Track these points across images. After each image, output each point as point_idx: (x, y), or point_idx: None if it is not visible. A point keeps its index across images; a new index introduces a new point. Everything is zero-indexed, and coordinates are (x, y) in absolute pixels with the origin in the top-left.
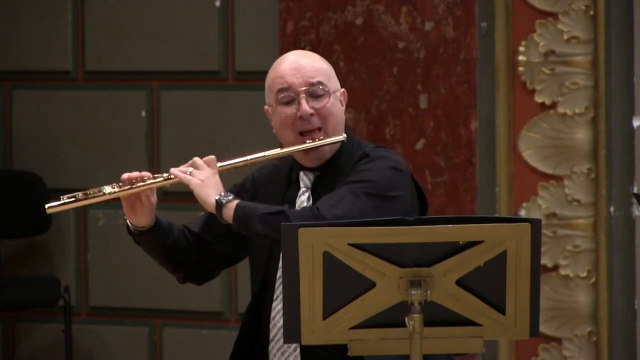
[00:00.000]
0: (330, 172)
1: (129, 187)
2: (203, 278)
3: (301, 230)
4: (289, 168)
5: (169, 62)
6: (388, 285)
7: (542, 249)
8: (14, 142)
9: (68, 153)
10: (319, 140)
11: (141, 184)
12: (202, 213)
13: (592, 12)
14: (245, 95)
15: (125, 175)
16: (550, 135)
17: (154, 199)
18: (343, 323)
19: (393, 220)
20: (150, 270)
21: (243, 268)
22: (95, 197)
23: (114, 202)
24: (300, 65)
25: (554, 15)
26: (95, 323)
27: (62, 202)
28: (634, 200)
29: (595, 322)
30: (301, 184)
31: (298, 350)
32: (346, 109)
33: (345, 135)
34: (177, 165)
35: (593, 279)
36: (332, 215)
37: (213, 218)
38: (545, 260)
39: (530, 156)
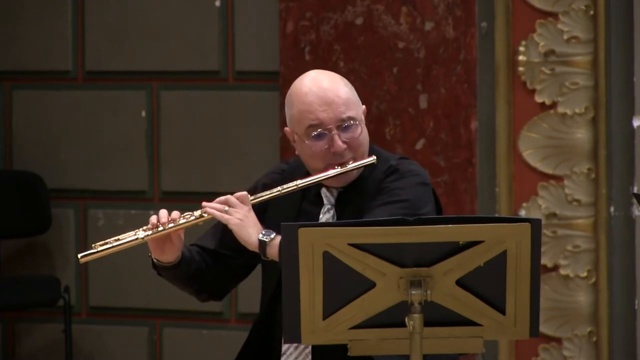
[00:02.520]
0: (355, 188)
1: (161, 229)
2: (224, 293)
3: (301, 230)
4: (302, 177)
5: (169, 62)
6: (388, 285)
7: (542, 249)
8: (14, 142)
9: (68, 153)
10: (349, 165)
11: (172, 225)
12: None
13: (592, 12)
14: (245, 95)
15: (154, 218)
16: (550, 135)
17: (182, 236)
18: (343, 323)
19: (393, 220)
20: (150, 270)
21: None
22: (128, 242)
23: (114, 202)
24: (329, 97)
25: (554, 15)
26: (95, 323)
27: (95, 250)
28: (634, 200)
29: (595, 322)
30: (325, 201)
31: (309, 348)
32: None
33: (375, 158)
34: (177, 165)
35: (593, 279)
36: None
37: (227, 232)
38: (545, 260)
39: (530, 156)
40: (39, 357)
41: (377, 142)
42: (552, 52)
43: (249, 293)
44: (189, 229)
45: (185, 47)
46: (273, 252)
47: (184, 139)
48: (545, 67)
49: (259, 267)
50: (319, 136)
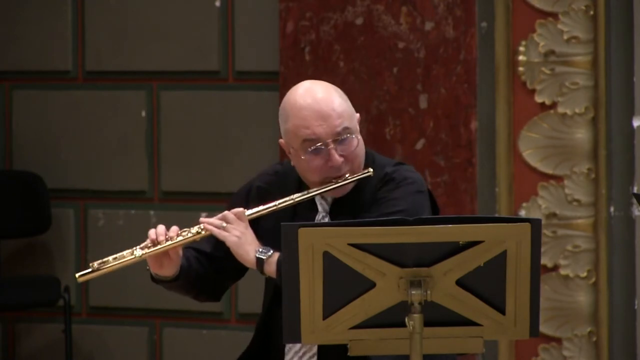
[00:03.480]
0: (349, 195)
1: (159, 246)
2: (220, 293)
3: (301, 230)
4: (296, 179)
5: (169, 62)
6: (388, 285)
7: (542, 249)
8: (14, 142)
9: (68, 153)
10: (346, 178)
11: (170, 242)
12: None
13: (592, 12)
14: (245, 95)
15: (153, 236)
16: (550, 135)
17: (180, 251)
18: (343, 323)
19: (393, 220)
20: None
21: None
22: (126, 260)
23: (114, 202)
24: (324, 111)
25: (554, 15)
26: (95, 323)
27: (91, 269)
28: (634, 200)
29: (595, 322)
30: (319, 208)
31: (315, 349)
32: None
33: (371, 171)
34: (177, 165)
35: (593, 279)
36: None
37: None
38: (545, 260)
39: (530, 156)
40: (39, 357)
41: (377, 142)
42: (552, 52)
43: (249, 293)
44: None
45: (185, 47)
46: (270, 269)
47: (184, 139)
48: (545, 67)
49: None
50: (316, 151)
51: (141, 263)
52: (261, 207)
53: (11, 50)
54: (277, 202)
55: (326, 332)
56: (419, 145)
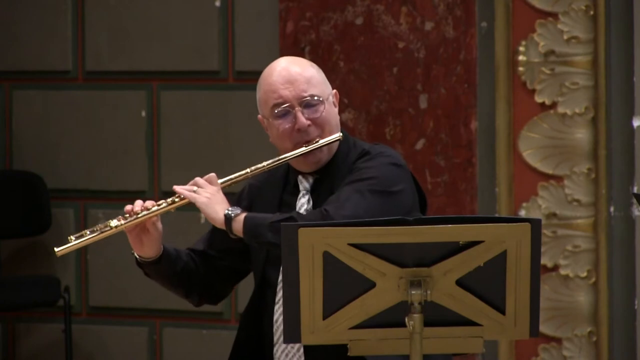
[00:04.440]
0: (329, 174)
1: (134, 217)
2: (217, 297)
3: (301, 231)
4: (284, 171)
5: (169, 62)
6: (388, 285)
7: (542, 249)
8: (14, 142)
9: (68, 153)
10: (315, 142)
11: (146, 212)
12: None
13: (592, 12)
14: (245, 95)
15: (129, 207)
16: (550, 135)
17: (159, 226)
18: (343, 323)
19: (393, 220)
20: None
21: None
22: (103, 232)
23: (114, 202)
24: (292, 76)
25: (554, 15)
26: (95, 323)
27: (71, 244)
28: (634, 200)
29: (595, 322)
30: (300, 187)
31: (302, 350)
32: (346, 108)
33: (340, 134)
34: (177, 165)
35: (593, 279)
36: (340, 216)
37: (216, 234)
38: (545, 260)
39: (530, 156)
40: (39, 357)
41: (377, 142)
42: (552, 52)
43: (249, 293)
44: (186, 230)
45: (185, 47)
46: (238, 227)
47: (184, 139)
48: (545, 67)
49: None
50: (283, 114)
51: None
52: (234, 175)
53: (11, 50)
54: (249, 170)
55: (326, 332)
56: (419, 145)
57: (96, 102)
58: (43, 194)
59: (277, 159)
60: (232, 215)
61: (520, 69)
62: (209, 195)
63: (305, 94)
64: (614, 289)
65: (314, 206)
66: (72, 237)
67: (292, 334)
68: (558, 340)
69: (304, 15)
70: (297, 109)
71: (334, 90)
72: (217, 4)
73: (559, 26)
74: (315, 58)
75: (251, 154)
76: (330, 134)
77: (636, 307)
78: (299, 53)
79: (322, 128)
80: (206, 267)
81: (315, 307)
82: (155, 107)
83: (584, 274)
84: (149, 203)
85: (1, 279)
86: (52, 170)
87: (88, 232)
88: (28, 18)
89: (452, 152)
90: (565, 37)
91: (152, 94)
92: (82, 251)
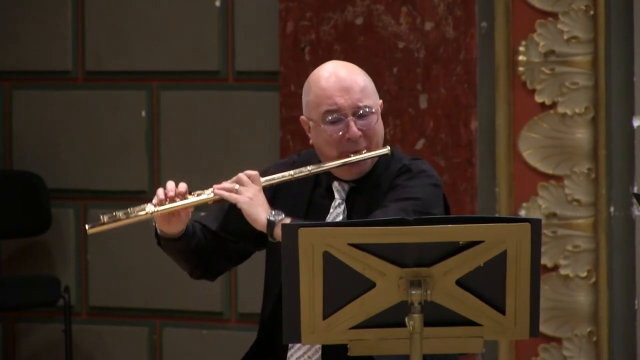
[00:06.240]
0: (367, 185)
1: (172, 205)
2: (217, 274)
3: (301, 230)
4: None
5: (169, 62)
6: (388, 285)
7: (542, 249)
8: (14, 142)
9: (68, 153)
10: (363, 154)
11: (183, 201)
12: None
13: (592, 12)
14: (245, 95)
15: (162, 194)
16: (550, 135)
17: (190, 211)
18: (343, 323)
19: (393, 220)
20: (150, 270)
21: (243, 268)
22: (137, 216)
23: (114, 202)
24: (347, 83)
25: (554, 15)
26: (95, 323)
27: (102, 222)
28: (634, 200)
29: (595, 322)
30: (336, 195)
31: (319, 351)
32: None
33: (389, 148)
34: (177, 165)
35: (593, 279)
36: None
37: (231, 216)
38: (545, 260)
39: (530, 156)
40: (39, 357)
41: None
42: (552, 52)
43: (249, 293)
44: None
45: (185, 47)
46: (280, 233)
47: (184, 139)
48: (545, 67)
49: (260, 269)
50: (335, 121)
51: (145, 260)
52: (277, 176)
53: (11, 50)
54: (292, 172)
55: (326, 332)
56: (419, 145)
57: (96, 102)
58: (43, 194)
59: (322, 166)
60: (276, 220)
61: (520, 69)
62: (251, 196)
63: (361, 104)
64: (614, 289)
65: (348, 216)
66: (105, 217)
67: (292, 334)
68: (558, 340)
69: (304, 15)
70: (350, 118)
71: (380, 101)
72: (217, 4)
73: (559, 26)
74: (315, 58)
75: (251, 154)
76: (377, 146)
77: (636, 307)
78: (299, 53)
79: (370, 139)
80: (216, 246)
81: (315, 307)
82: (155, 107)
83: (584, 274)
84: (182, 188)
85: (1, 279)
86: (52, 170)
87: (121, 214)
88: (28, 18)
89: (452, 152)
90: (565, 37)
91: (152, 94)
92: (82, 251)
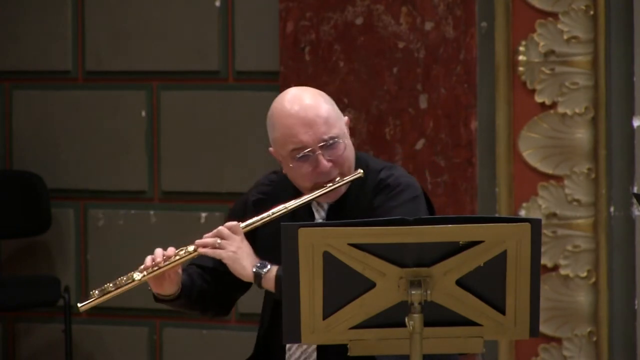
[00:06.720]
0: (345, 204)
1: (157, 268)
2: (230, 307)
3: (301, 230)
4: (293, 189)
5: (169, 62)
6: (388, 285)
7: (542, 249)
8: (14, 142)
9: (68, 153)
10: (337, 182)
11: (167, 263)
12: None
13: (592, 12)
14: (245, 95)
15: (149, 261)
16: (550, 135)
17: (179, 270)
18: (343, 323)
19: (393, 220)
20: None
21: None
22: (126, 285)
23: (114, 202)
24: (310, 118)
25: (554, 15)
26: (95, 323)
27: (93, 298)
28: (634, 200)
29: (595, 322)
30: (316, 215)
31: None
32: (346, 109)
33: (361, 172)
34: (177, 165)
35: (593, 279)
36: None
37: None
38: (545, 260)
39: (530, 156)
40: (39, 357)
41: (377, 142)
42: (552, 52)
43: (249, 293)
44: (186, 230)
45: (185, 47)
46: (269, 284)
47: (184, 139)
48: (545, 67)
49: None
50: (304, 158)
51: (143, 262)
52: (255, 219)
53: (11, 50)
54: (270, 212)
55: (326, 332)
56: (419, 145)
57: (96, 102)
58: (43, 194)
59: (300, 200)
60: (262, 273)
61: (520, 69)
62: (234, 249)
63: (326, 136)
64: (614, 289)
65: None
66: (96, 292)
67: (292, 334)
68: (558, 340)
69: (304, 15)
70: (318, 152)
71: (346, 119)
72: (217, 4)
73: (559, 26)
74: (315, 58)
75: (251, 154)
76: (350, 170)
77: (636, 307)
78: (299, 53)
79: (342, 166)
80: (218, 283)
81: (315, 307)
82: (155, 107)
83: (584, 274)
84: (170, 252)
85: (1, 279)
86: (52, 170)
87: (111, 286)
88: (28, 18)
89: (452, 152)
90: (565, 37)
91: (152, 94)
92: (82, 251)
